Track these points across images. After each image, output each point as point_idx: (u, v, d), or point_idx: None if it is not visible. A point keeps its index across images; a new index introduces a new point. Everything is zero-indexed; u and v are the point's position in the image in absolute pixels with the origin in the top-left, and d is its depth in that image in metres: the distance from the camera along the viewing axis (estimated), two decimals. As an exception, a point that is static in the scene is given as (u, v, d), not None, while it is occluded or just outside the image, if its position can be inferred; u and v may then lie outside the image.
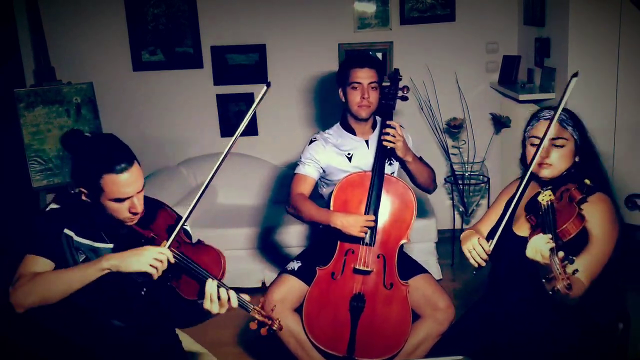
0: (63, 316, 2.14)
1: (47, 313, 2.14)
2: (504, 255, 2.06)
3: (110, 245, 2.04)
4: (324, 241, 2.77)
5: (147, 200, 2.05)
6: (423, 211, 3.98)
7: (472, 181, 4.45)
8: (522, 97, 3.88)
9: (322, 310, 2.61)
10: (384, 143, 2.65)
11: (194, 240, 2.13)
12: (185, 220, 1.97)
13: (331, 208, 2.66)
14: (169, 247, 1.92)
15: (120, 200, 1.90)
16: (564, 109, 2.16)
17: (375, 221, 2.61)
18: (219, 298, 1.94)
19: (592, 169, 2.13)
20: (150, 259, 1.85)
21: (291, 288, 2.68)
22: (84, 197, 1.95)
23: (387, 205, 2.67)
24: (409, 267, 2.76)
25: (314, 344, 2.62)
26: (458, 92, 4.43)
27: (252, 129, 4.60)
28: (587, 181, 2.03)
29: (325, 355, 2.66)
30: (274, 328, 1.99)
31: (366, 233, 2.58)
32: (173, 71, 4.50)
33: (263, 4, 4.40)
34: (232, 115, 4.58)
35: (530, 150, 2.13)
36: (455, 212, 4.54)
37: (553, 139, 2.08)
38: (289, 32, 4.45)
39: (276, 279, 2.77)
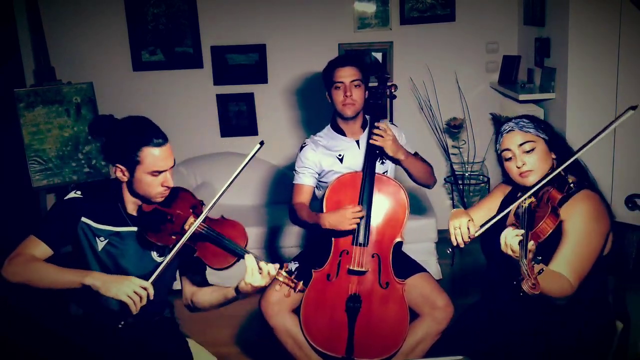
0: (63, 316, 2.15)
1: (46, 313, 2.15)
2: (496, 256, 2.06)
3: (134, 228, 2.11)
4: (320, 243, 2.77)
5: (172, 191, 2.14)
6: (423, 211, 3.98)
7: (472, 181, 4.45)
8: (522, 97, 3.88)
9: (319, 312, 2.61)
10: (372, 142, 2.66)
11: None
12: (218, 198, 2.06)
13: (324, 210, 2.67)
14: (199, 222, 2.03)
15: (156, 173, 2.02)
16: (522, 115, 2.19)
17: (367, 221, 2.61)
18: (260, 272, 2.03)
19: (571, 163, 2.14)
20: (130, 290, 1.89)
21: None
22: (119, 174, 2.04)
23: (379, 205, 2.67)
24: (408, 266, 2.76)
25: (312, 346, 2.62)
26: (458, 92, 4.43)
27: (252, 129, 4.60)
28: (570, 179, 2.03)
29: (323, 356, 2.65)
30: (298, 289, 2.09)
31: (357, 234, 2.59)
32: (173, 71, 4.51)
33: (263, 4, 4.41)
34: (232, 115, 4.58)
35: (508, 165, 2.15)
36: (455, 212, 4.54)
37: (521, 144, 2.10)
38: (289, 32, 4.45)
39: (274, 280, 2.76)
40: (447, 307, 2.64)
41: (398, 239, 2.64)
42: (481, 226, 2.02)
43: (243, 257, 2.07)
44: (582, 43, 3.54)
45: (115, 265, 2.10)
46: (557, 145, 2.15)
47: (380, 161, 2.78)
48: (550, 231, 1.88)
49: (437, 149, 4.52)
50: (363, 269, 2.59)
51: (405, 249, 2.96)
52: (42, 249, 2.03)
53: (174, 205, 2.11)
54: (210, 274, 3.93)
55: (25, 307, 2.11)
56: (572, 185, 2.03)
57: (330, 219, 2.58)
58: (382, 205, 2.68)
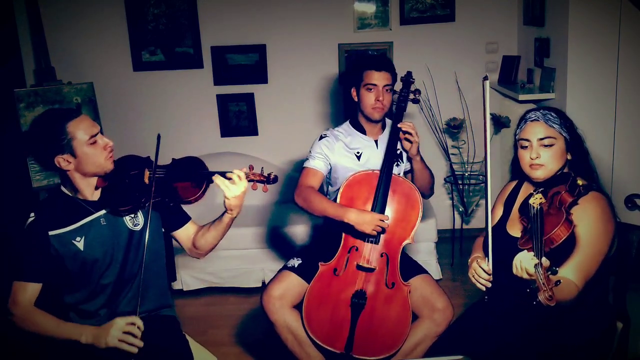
0: (62, 316, 2.15)
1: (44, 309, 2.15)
2: (497, 254, 2.06)
3: (101, 212, 2.15)
4: (327, 238, 2.77)
5: (117, 161, 2.17)
6: (423, 211, 3.98)
7: (472, 181, 4.45)
8: (521, 97, 3.88)
9: (322, 305, 2.61)
10: (404, 142, 2.69)
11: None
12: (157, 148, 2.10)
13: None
14: (151, 171, 2.10)
15: (92, 140, 2.05)
16: (550, 108, 2.16)
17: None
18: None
19: (583, 166, 2.14)
20: (119, 334, 1.94)
21: (290, 284, 2.68)
22: (64, 164, 2.06)
23: (393, 205, 2.67)
24: (409, 268, 2.76)
25: (312, 340, 2.62)
26: (458, 92, 4.43)
27: (252, 129, 4.60)
28: (579, 182, 2.02)
29: (322, 352, 2.66)
30: (271, 180, 2.16)
31: (378, 232, 2.59)
32: (173, 71, 4.50)
33: (263, 4, 4.41)
34: (232, 115, 4.59)
35: (522, 152, 2.14)
36: (455, 212, 4.54)
37: (541, 138, 2.08)
38: (289, 32, 4.45)
39: (276, 275, 2.77)
40: (447, 310, 2.64)
41: (408, 241, 2.65)
42: (486, 255, 2.03)
43: (211, 180, 2.11)
44: (582, 43, 3.55)
45: (101, 254, 2.14)
46: (576, 146, 2.13)
47: (396, 163, 2.80)
48: (564, 238, 1.87)
49: (437, 149, 4.52)
50: (372, 266, 2.60)
51: (406, 249, 2.97)
52: (31, 289, 2.07)
53: (125, 170, 2.15)
54: (209, 274, 3.94)
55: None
56: (581, 188, 2.01)
57: (358, 217, 2.55)
58: (396, 205, 2.68)
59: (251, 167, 2.15)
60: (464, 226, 4.52)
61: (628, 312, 2.23)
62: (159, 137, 2.10)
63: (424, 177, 2.82)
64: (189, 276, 3.94)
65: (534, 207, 1.86)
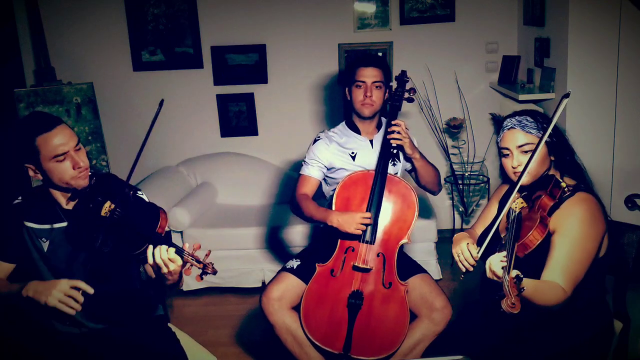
0: (54, 315, 2.15)
1: (39, 313, 2.15)
2: (487, 253, 2.06)
3: (65, 224, 2.12)
4: (325, 240, 2.78)
5: (100, 176, 2.14)
6: (423, 211, 3.98)
7: (472, 181, 4.45)
8: (521, 97, 3.88)
9: (319, 306, 2.61)
10: (392, 141, 2.66)
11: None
12: (129, 178, 2.02)
13: (333, 206, 2.69)
14: (112, 204, 1.97)
15: (60, 157, 1.99)
16: (526, 111, 2.12)
17: (376, 219, 2.62)
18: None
19: (568, 164, 2.11)
20: (60, 295, 1.86)
21: (289, 286, 2.69)
22: (31, 174, 2.05)
23: (388, 205, 2.68)
24: (407, 267, 2.76)
25: (311, 340, 2.62)
26: (458, 92, 4.43)
27: (252, 129, 4.60)
28: (564, 184, 2.00)
29: (322, 353, 2.66)
30: (209, 272, 1.93)
31: (364, 231, 2.59)
32: (173, 71, 4.51)
33: (263, 4, 4.41)
34: (232, 115, 4.59)
35: (504, 161, 2.11)
36: (455, 212, 4.54)
37: (519, 146, 2.05)
38: (289, 32, 4.45)
39: (275, 277, 2.77)
40: (445, 309, 2.64)
41: (404, 241, 2.65)
42: (479, 244, 2.01)
43: (153, 242, 1.93)
44: (582, 43, 3.55)
45: (64, 263, 2.12)
46: (558, 146, 2.11)
47: (392, 162, 2.80)
48: (538, 243, 1.85)
49: (437, 149, 4.52)
50: (368, 267, 2.60)
51: (406, 249, 2.97)
52: (3, 267, 2.06)
53: (98, 192, 2.05)
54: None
55: (15, 307, 2.12)
56: (566, 189, 2.00)
57: (339, 218, 2.59)
58: (392, 205, 2.68)
59: (196, 247, 1.94)
60: (464, 226, 4.52)
61: (628, 312, 2.23)
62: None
63: (428, 174, 2.82)
64: (189, 276, 3.93)
65: (514, 212, 1.85)
